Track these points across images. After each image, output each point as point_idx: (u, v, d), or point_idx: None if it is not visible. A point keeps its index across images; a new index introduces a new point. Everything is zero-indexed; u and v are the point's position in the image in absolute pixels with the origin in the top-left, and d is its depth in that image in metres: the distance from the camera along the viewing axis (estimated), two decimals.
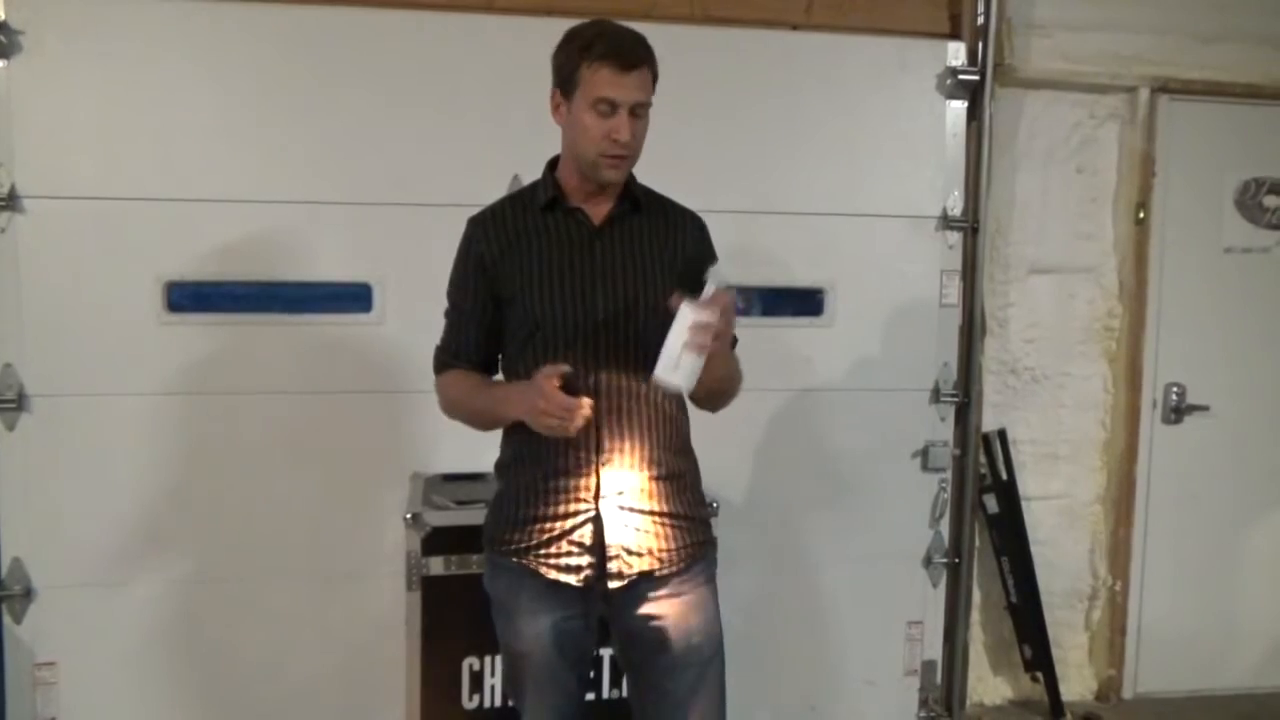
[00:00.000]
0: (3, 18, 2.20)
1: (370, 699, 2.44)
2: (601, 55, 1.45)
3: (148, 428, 2.36)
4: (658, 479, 1.56)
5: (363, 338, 2.43)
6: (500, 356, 1.64)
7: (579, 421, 1.42)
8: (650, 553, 1.55)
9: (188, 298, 2.36)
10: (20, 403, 2.30)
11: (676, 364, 1.39)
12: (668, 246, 1.58)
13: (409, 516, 2.11)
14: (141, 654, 2.40)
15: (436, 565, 2.11)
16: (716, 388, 1.56)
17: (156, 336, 2.35)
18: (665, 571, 1.56)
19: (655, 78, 1.51)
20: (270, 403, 2.40)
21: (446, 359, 1.64)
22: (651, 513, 1.55)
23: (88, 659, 2.37)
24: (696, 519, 1.62)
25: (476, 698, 2.15)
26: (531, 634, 1.56)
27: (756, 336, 2.66)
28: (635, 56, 1.46)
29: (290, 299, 2.41)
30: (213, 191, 2.34)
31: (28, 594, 2.33)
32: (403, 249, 2.40)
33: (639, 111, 1.48)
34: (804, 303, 2.67)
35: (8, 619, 2.33)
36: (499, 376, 1.65)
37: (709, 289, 1.40)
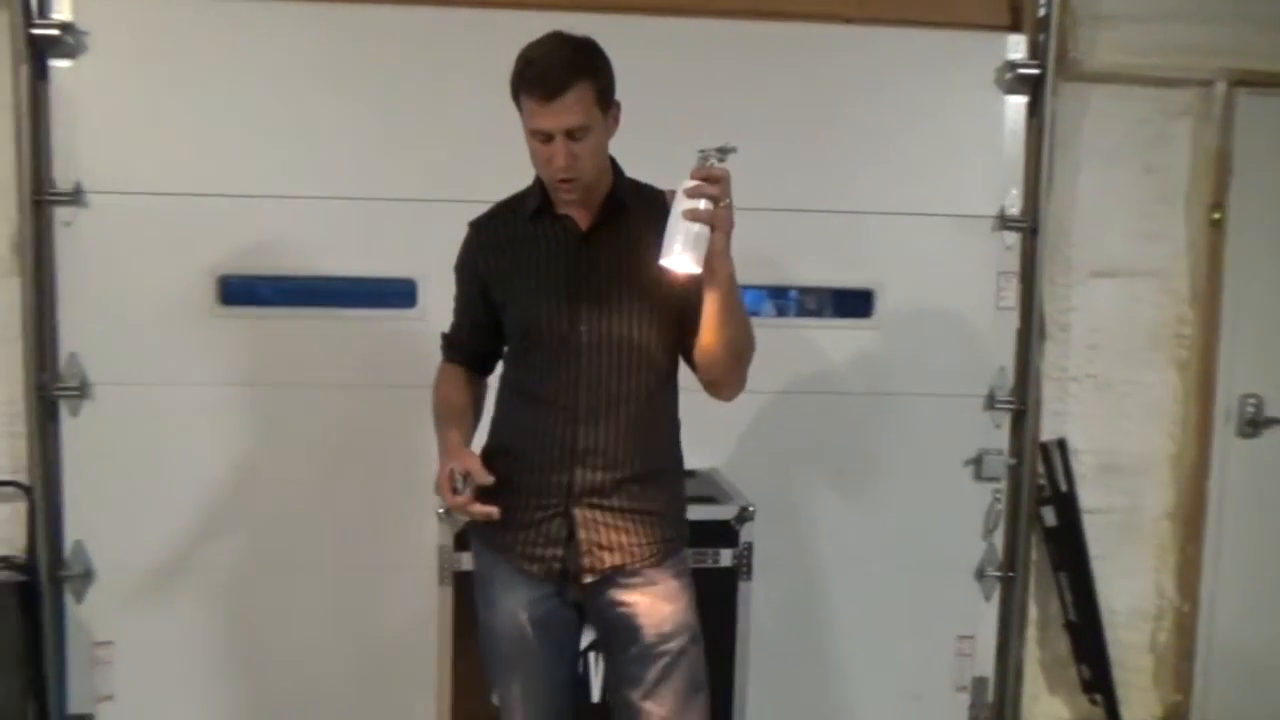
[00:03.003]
0: (70, 19, 2.29)
1: (401, 693, 2.46)
2: (527, 88, 1.44)
3: (201, 418, 2.43)
4: (633, 478, 1.57)
5: (407, 333, 2.45)
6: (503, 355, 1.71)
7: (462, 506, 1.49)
8: (621, 548, 1.56)
9: (239, 291, 2.43)
10: (84, 390, 2.38)
11: (674, 241, 1.38)
12: (659, 239, 1.54)
13: (442, 511, 2.12)
14: (192, 637, 2.47)
15: (468, 560, 2.09)
16: (726, 337, 1.48)
17: (210, 329, 2.41)
18: (637, 565, 1.57)
19: (599, 89, 1.46)
20: (315, 396, 2.45)
21: (444, 347, 1.76)
22: (624, 510, 1.57)
23: (142, 640, 2.44)
24: (669, 515, 1.63)
25: None
26: (508, 609, 1.59)
27: (801, 337, 2.63)
28: (557, 85, 1.41)
29: (337, 294, 2.46)
30: (264, 188, 2.39)
31: (88, 575, 2.42)
32: (447, 245, 2.39)
33: (577, 135, 1.44)
34: (852, 303, 2.62)
35: (70, 598, 2.42)
36: (499, 370, 1.72)
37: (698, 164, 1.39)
